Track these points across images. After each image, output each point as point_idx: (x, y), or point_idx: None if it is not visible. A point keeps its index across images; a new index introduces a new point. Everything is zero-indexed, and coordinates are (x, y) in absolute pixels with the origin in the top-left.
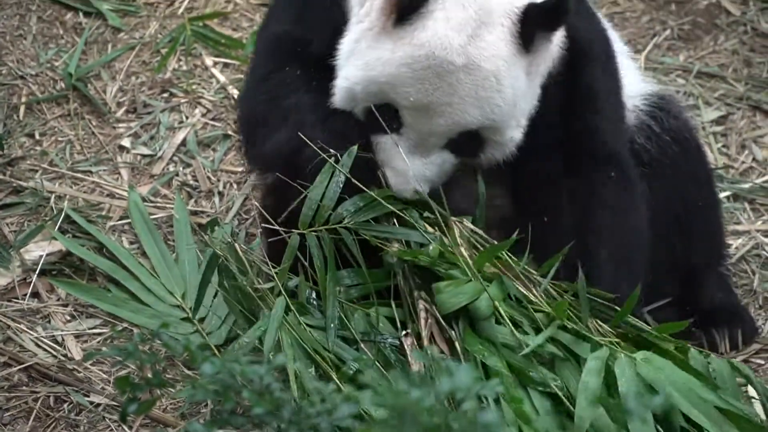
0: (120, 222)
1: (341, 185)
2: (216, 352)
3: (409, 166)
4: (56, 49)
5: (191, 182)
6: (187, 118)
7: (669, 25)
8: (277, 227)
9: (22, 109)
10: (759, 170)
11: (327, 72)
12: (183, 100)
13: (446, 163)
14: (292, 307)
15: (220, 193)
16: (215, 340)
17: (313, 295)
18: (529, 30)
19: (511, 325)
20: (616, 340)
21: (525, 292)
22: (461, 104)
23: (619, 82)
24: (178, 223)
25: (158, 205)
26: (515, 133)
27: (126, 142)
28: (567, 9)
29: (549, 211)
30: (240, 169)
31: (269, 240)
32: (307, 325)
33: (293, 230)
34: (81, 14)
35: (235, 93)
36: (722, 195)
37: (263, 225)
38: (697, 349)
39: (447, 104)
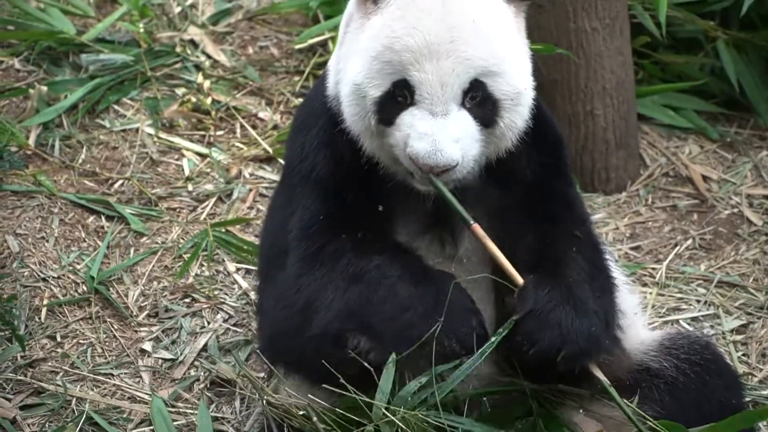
0: (141, 425)
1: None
2: None
3: (431, 125)
4: (78, 252)
5: (212, 387)
6: (208, 323)
7: (691, 234)
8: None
9: (43, 311)
10: None
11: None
12: (205, 306)
13: (468, 125)
14: None
15: (242, 399)
16: None
17: None
18: None
19: None
20: None
21: None
22: (461, 36)
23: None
24: (200, 430)
25: (180, 410)
26: (522, 85)
27: (147, 346)
28: None
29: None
30: (261, 374)
31: None
32: None
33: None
34: (103, 218)
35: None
36: None
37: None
38: None
39: (449, 41)
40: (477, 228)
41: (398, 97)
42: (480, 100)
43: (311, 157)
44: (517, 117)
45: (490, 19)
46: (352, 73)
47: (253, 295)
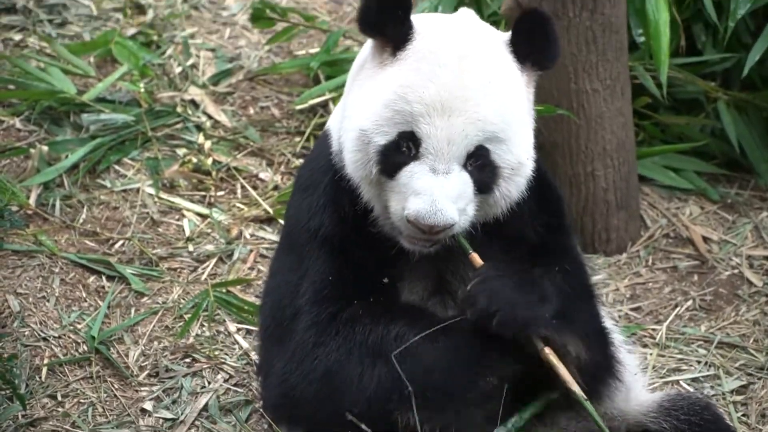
0: None
1: None
2: None
3: (431, 184)
4: (79, 312)
5: None
6: (209, 383)
7: (691, 295)
8: None
9: (44, 370)
10: None
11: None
12: (205, 366)
13: (467, 186)
14: None
15: None
16: None
17: None
18: (520, 45)
19: None
20: None
21: None
22: (474, 96)
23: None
24: None
25: None
26: (524, 156)
27: (148, 406)
28: (556, 51)
29: None
30: None
31: None
32: None
33: None
34: (104, 278)
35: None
36: None
37: None
38: None
39: (462, 99)
40: (474, 256)
41: (402, 147)
42: (481, 165)
43: (318, 216)
44: (513, 187)
45: (504, 83)
46: (359, 118)
47: (253, 355)
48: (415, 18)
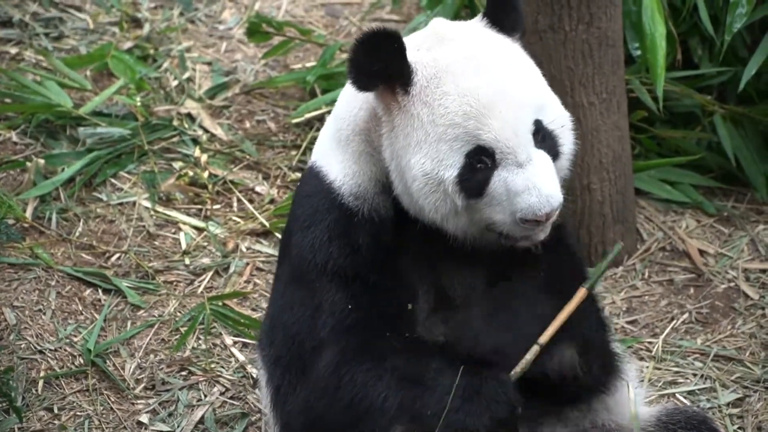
0: None
1: None
2: None
3: (527, 177)
4: (75, 325)
5: None
6: (205, 396)
7: (687, 308)
8: None
9: (40, 383)
10: None
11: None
12: (201, 379)
13: (549, 161)
14: None
15: None
16: None
17: None
18: (499, 19)
19: None
20: None
21: None
22: (506, 85)
23: None
24: None
25: None
26: (561, 110)
27: (144, 419)
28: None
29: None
30: None
31: None
32: None
33: None
34: (100, 291)
35: (254, 372)
36: None
37: None
38: None
39: (500, 92)
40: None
41: (477, 165)
42: (543, 137)
43: (324, 250)
44: (568, 141)
45: (514, 59)
46: (416, 166)
47: (250, 368)
48: None
